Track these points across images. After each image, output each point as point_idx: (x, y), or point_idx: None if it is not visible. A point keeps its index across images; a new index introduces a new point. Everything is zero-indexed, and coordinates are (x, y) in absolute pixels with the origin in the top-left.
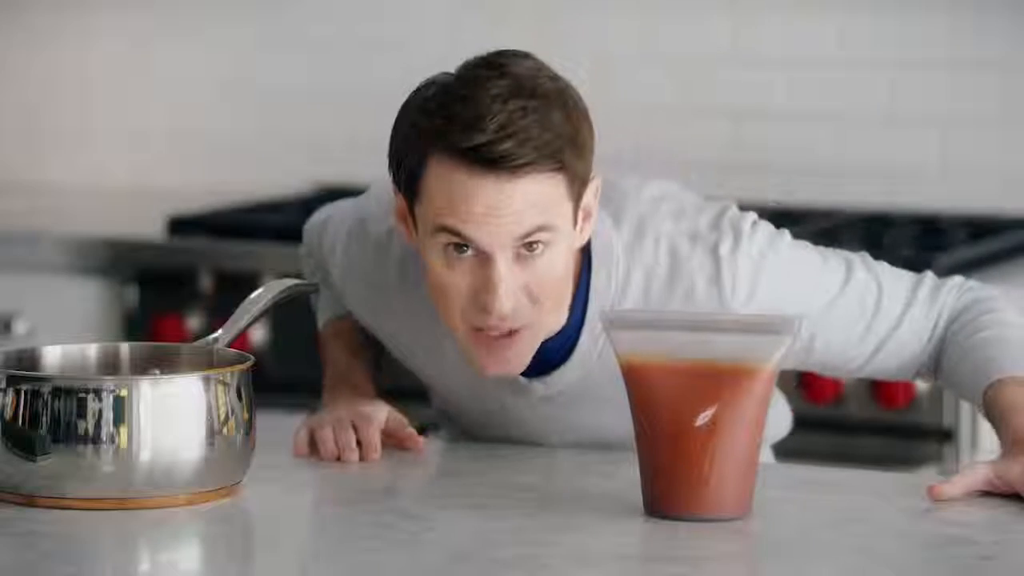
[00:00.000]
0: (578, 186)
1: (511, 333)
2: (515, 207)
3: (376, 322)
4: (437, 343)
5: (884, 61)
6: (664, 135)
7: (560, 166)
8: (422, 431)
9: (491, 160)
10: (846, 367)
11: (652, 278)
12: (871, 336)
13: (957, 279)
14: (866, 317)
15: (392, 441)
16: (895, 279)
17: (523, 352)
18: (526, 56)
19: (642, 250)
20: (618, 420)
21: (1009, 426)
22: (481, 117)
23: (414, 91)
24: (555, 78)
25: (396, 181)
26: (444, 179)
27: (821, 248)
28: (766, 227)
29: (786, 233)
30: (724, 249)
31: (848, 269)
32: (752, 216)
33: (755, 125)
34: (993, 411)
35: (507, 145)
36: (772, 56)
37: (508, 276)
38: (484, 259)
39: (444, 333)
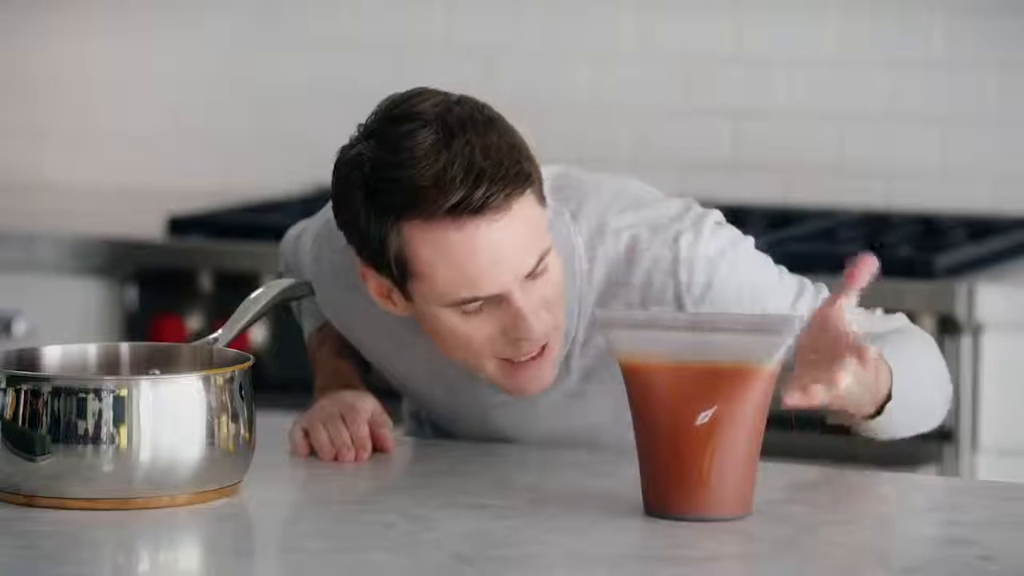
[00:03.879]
0: (540, 186)
1: (542, 350)
2: (514, 240)
3: (348, 324)
4: (408, 343)
5: (884, 61)
6: (664, 134)
7: (529, 179)
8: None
9: (477, 210)
10: None
11: (612, 268)
12: None
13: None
14: None
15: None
16: None
17: (553, 363)
18: (418, 94)
19: (603, 243)
20: (586, 423)
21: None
22: (440, 173)
23: (341, 174)
24: (458, 101)
25: (374, 265)
26: (439, 249)
27: (779, 266)
28: (729, 230)
29: (750, 240)
30: (684, 242)
31: (800, 287)
32: (716, 215)
33: (755, 125)
34: None
35: (482, 189)
36: (772, 56)
37: (527, 303)
38: (498, 299)
39: (414, 332)
